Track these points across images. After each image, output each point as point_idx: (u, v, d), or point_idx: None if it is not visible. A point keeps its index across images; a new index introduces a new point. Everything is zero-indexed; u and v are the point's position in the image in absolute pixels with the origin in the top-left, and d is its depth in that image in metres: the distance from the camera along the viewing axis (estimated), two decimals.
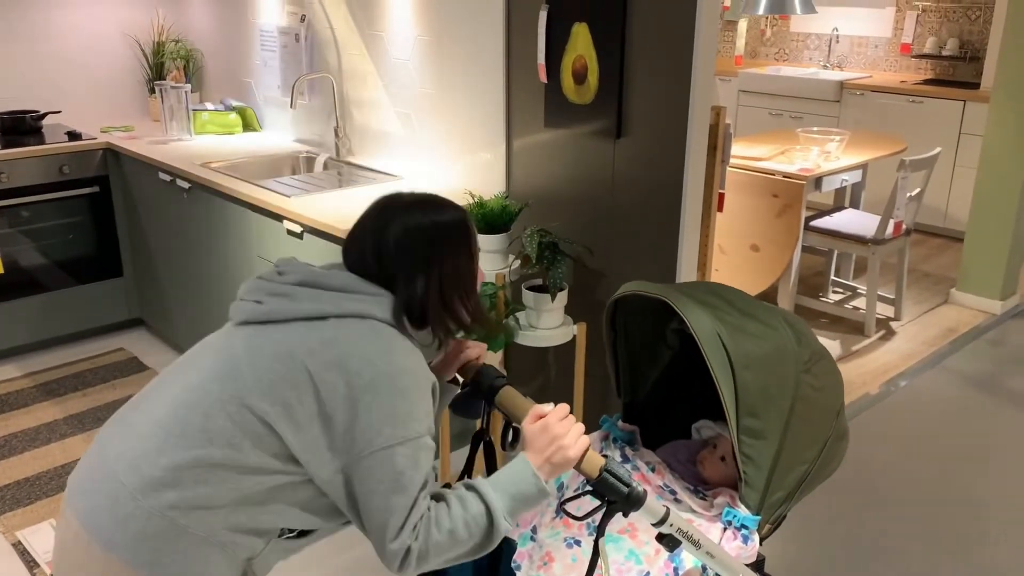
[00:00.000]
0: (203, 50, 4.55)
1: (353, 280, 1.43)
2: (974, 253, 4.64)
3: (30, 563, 2.66)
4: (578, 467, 1.39)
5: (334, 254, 2.80)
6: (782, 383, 1.61)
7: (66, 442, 3.31)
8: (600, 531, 1.41)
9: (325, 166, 3.72)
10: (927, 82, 5.99)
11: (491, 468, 1.62)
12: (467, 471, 1.69)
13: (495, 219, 2.77)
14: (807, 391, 1.63)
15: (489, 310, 2.71)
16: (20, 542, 2.75)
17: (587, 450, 1.39)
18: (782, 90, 6.37)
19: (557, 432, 1.39)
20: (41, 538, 2.77)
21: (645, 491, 1.38)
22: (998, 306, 4.58)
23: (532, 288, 2.74)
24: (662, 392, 1.98)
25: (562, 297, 2.73)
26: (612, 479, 1.36)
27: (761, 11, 4.50)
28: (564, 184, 2.89)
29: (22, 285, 3.92)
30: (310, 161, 3.80)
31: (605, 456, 1.42)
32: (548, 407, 1.44)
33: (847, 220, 4.45)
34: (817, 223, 4.41)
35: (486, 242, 2.77)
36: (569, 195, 2.89)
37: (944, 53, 6.06)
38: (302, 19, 3.74)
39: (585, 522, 1.69)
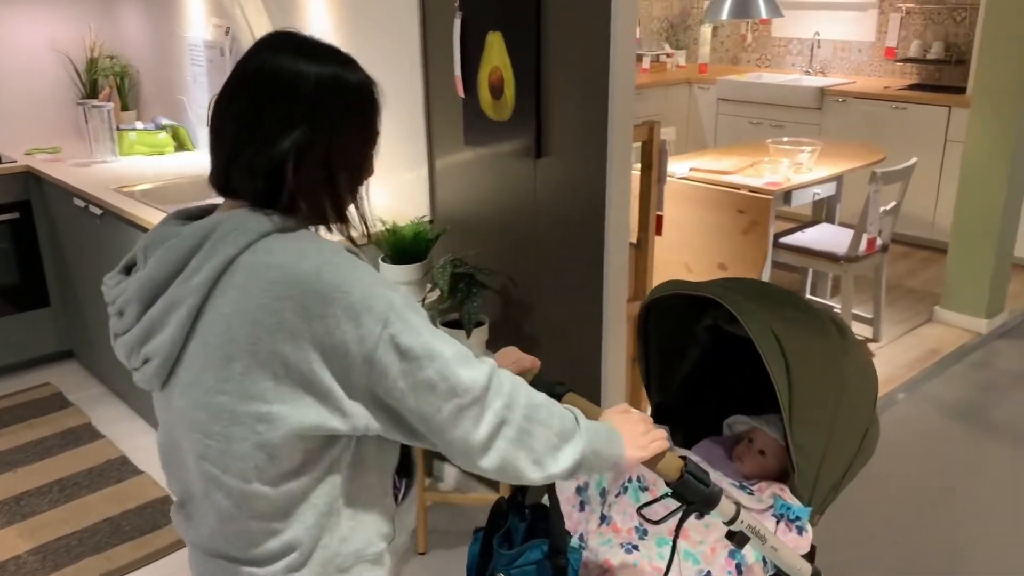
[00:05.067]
0: (138, 66, 4.33)
1: None
2: (957, 268, 4.37)
3: None
4: (656, 468, 1.35)
5: None
6: (831, 373, 1.63)
7: None
8: (678, 533, 1.41)
9: None
10: (912, 87, 5.72)
11: (551, 488, 1.52)
12: (521, 488, 1.56)
13: (407, 247, 2.53)
14: (851, 378, 1.65)
15: None
16: None
17: (666, 450, 1.36)
18: (762, 97, 6.11)
19: (641, 425, 1.35)
20: None
21: (721, 489, 1.37)
22: (983, 325, 4.31)
23: (448, 324, 2.50)
24: (690, 391, 1.98)
25: (481, 333, 2.48)
26: (694, 480, 1.34)
27: (725, 16, 4.25)
28: (486, 208, 2.65)
29: None
30: None
31: (684, 458, 1.38)
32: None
33: (819, 236, 4.19)
34: (787, 240, 4.15)
35: (399, 273, 2.53)
36: (491, 220, 2.64)
37: (929, 57, 5.80)
38: (227, 32, 3.52)
39: (634, 526, 1.68)
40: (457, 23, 2.51)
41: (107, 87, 4.23)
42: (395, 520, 1.33)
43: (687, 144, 6.52)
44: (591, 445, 1.25)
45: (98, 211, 3.26)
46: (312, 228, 1.22)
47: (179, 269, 1.15)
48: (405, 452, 1.36)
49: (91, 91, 4.28)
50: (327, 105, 1.17)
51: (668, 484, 1.36)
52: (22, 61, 4.17)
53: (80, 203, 3.38)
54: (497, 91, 2.47)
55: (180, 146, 3.99)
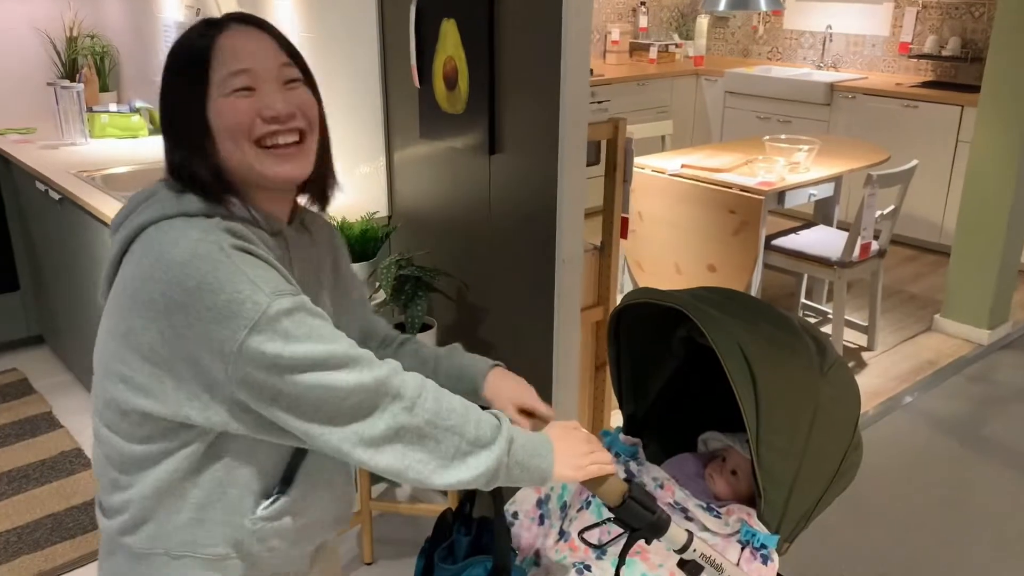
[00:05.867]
0: (119, 47, 4.23)
1: None
2: (960, 275, 4.19)
3: None
4: (597, 491, 1.29)
5: None
6: (804, 395, 1.54)
7: None
8: (622, 560, 1.35)
9: None
10: (926, 84, 5.51)
11: (496, 497, 1.45)
12: (469, 499, 1.53)
13: (354, 244, 2.41)
14: (827, 402, 1.56)
15: None
16: None
17: (608, 475, 1.29)
18: (770, 92, 5.92)
19: (583, 445, 1.28)
20: None
21: (668, 516, 1.31)
22: (985, 336, 4.12)
23: (394, 327, 2.37)
24: (665, 403, 1.88)
25: (427, 337, 2.36)
26: (637, 506, 1.27)
27: (722, 7, 4.08)
28: (440, 205, 2.52)
29: None
30: None
31: (628, 481, 1.31)
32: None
33: (814, 239, 4.02)
34: (780, 242, 3.98)
35: None
36: (445, 217, 2.51)
37: (944, 53, 5.57)
38: (197, 13, 3.40)
39: (590, 546, 1.61)
40: (413, 9, 2.37)
41: (85, 67, 4.13)
42: (265, 537, 1.22)
43: (692, 138, 6.34)
44: (513, 456, 1.19)
45: (57, 196, 3.17)
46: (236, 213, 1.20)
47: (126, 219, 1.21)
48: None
49: (70, 71, 4.19)
50: (166, 79, 1.20)
51: (610, 509, 1.30)
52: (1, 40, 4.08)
53: (41, 187, 3.29)
54: (451, 82, 2.33)
55: (157, 129, 3.89)
